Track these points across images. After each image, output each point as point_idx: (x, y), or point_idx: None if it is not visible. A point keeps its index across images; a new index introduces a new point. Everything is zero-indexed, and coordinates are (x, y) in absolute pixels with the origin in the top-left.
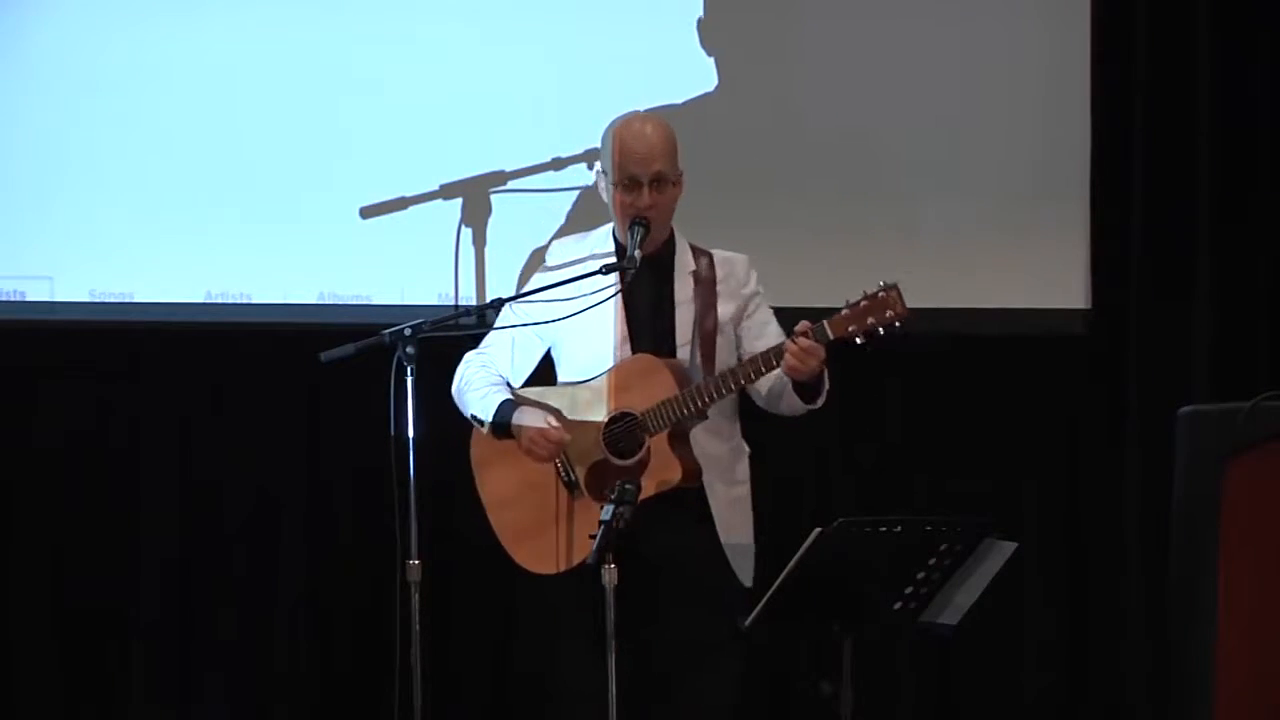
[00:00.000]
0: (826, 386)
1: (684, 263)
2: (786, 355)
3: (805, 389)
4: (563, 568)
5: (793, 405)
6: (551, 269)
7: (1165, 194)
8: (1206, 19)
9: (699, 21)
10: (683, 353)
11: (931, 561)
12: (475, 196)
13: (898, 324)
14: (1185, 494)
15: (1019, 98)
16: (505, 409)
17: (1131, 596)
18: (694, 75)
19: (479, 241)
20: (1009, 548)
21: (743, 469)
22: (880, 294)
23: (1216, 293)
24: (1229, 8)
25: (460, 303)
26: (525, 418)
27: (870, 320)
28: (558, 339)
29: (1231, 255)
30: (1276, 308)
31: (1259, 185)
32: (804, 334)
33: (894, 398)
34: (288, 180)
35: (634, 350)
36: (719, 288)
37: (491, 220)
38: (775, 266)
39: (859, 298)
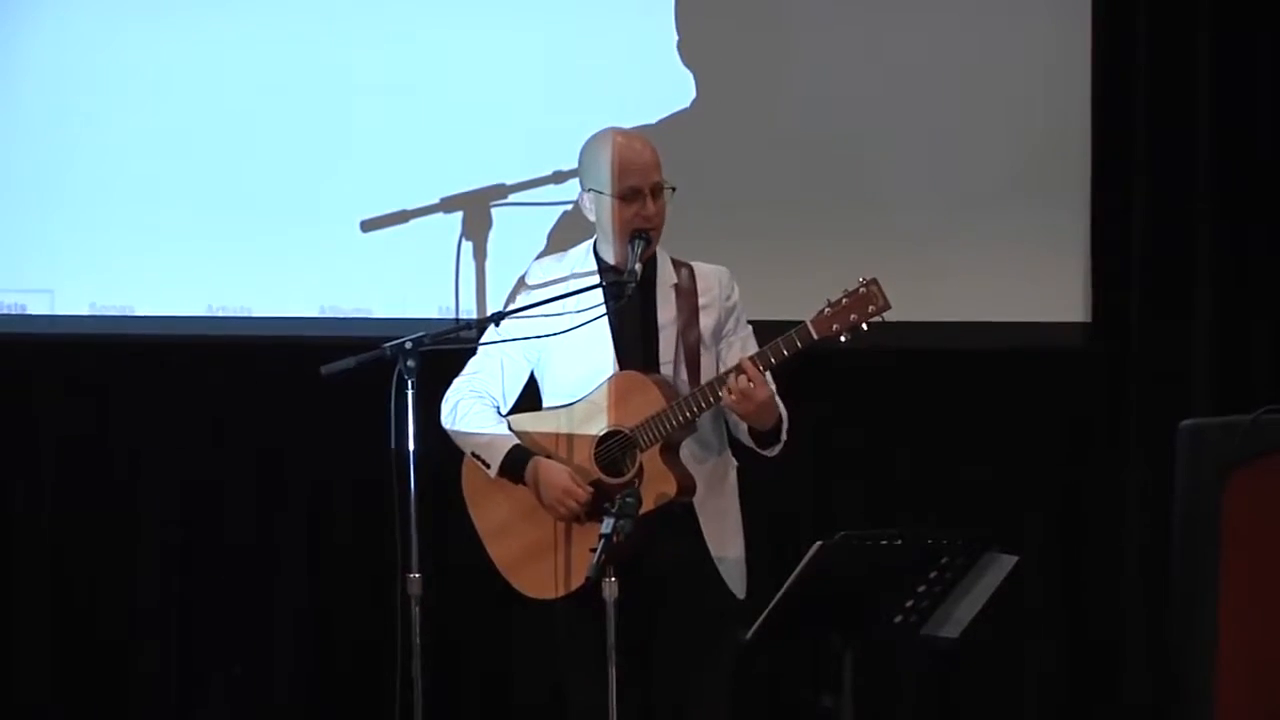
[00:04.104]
0: (783, 439)
1: (665, 276)
2: (726, 391)
3: (759, 436)
4: (562, 592)
5: (746, 438)
6: (533, 289)
7: (1165, 207)
8: (1207, 27)
9: (677, 43)
10: (667, 370)
11: (932, 575)
12: (476, 210)
13: (881, 317)
14: (1185, 507)
15: (1017, 111)
16: (517, 456)
17: (1132, 609)
18: (691, 86)
19: (480, 255)
20: (1010, 561)
21: (731, 481)
22: (861, 290)
23: (1217, 306)
24: (1229, 14)
25: (461, 316)
26: (545, 473)
27: (853, 316)
28: (544, 357)
29: (1232, 269)
30: (1276, 321)
31: (1260, 198)
32: (745, 372)
33: (894, 411)
34: (288, 194)
35: (621, 366)
36: (700, 300)
37: (492, 233)
38: (766, 281)
39: (839, 295)
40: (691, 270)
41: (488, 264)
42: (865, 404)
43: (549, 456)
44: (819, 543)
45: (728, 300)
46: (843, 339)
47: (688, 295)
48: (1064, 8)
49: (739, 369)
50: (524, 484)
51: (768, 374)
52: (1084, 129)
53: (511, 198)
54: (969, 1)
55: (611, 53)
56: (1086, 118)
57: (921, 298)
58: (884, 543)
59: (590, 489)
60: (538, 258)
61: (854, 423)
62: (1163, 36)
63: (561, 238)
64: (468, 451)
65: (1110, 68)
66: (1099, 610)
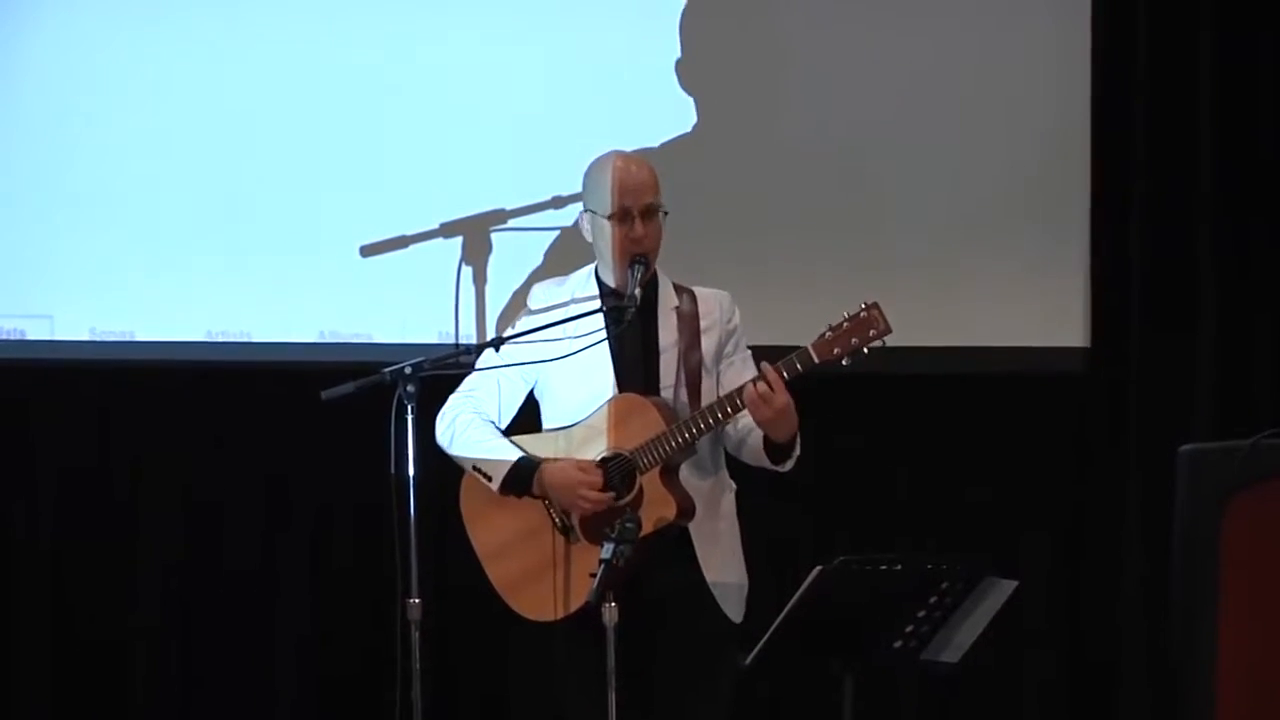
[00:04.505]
0: (796, 453)
1: (667, 300)
2: (747, 395)
3: (775, 450)
4: (561, 614)
5: (755, 457)
6: (534, 312)
7: (1165, 232)
8: (1209, 53)
9: (677, 63)
10: (667, 393)
11: (932, 600)
12: (475, 235)
13: (882, 341)
14: (1185, 532)
15: (1017, 134)
16: (521, 470)
17: (1131, 633)
18: (693, 112)
19: (479, 280)
20: (1009, 586)
21: (727, 504)
22: (862, 313)
23: (1217, 330)
24: (1231, 40)
25: (461, 341)
26: (551, 476)
27: (854, 340)
28: (545, 381)
29: (1232, 293)
30: (1277, 345)
31: (1261, 222)
32: (765, 377)
33: (893, 436)
34: (288, 219)
35: (621, 390)
36: (701, 323)
37: (492, 258)
38: (765, 305)
39: (840, 319)
40: (693, 295)
41: (487, 289)
42: (865, 428)
43: None
44: (819, 568)
45: (729, 323)
46: (844, 362)
47: (689, 319)
48: (1062, 40)
49: (759, 375)
50: (531, 496)
51: None
52: (1083, 152)
53: (511, 223)
54: (969, 26)
55: (612, 77)
56: (1086, 143)
57: (920, 322)
58: (883, 568)
59: (601, 469)
60: (538, 280)
61: (853, 447)
62: (1162, 52)
63: (560, 258)
64: (468, 467)
65: (1110, 97)
66: (1098, 634)
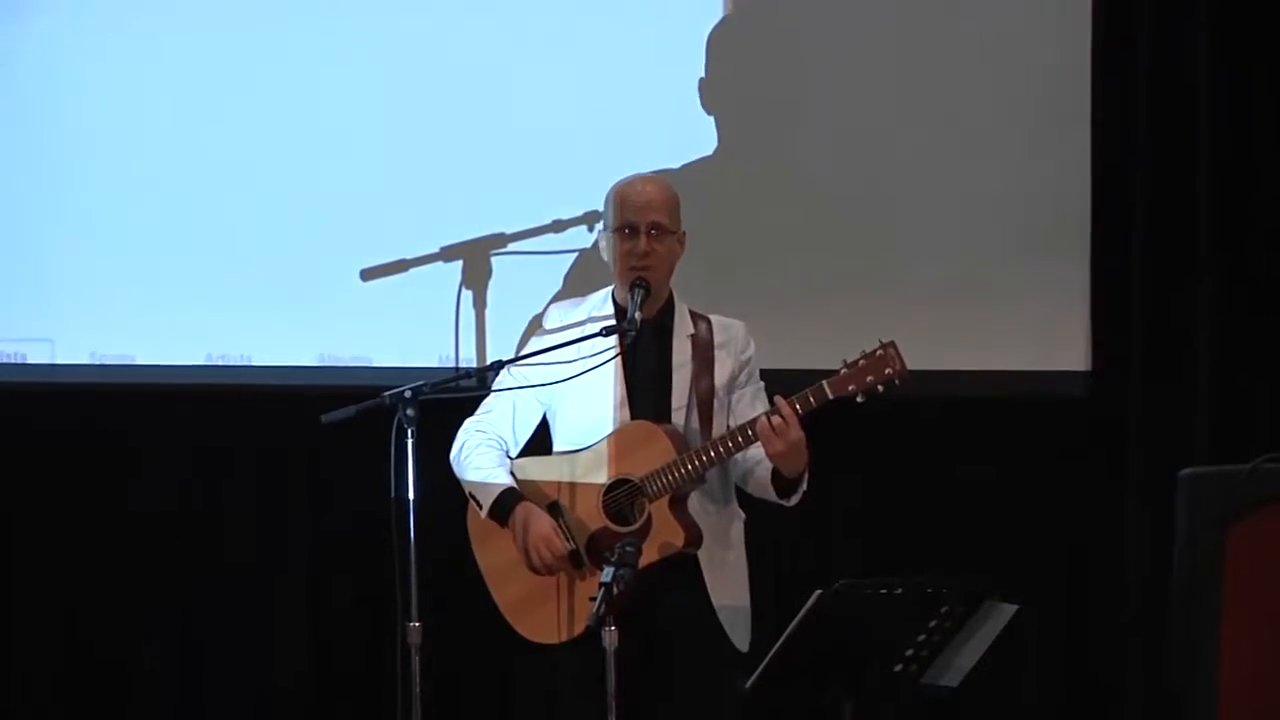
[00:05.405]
0: (803, 488)
1: (683, 326)
2: (760, 428)
3: (783, 483)
4: (564, 637)
5: (761, 489)
6: (549, 332)
7: (1166, 256)
8: (1207, 80)
9: (700, 81)
10: (679, 415)
11: (932, 623)
12: (476, 258)
13: (897, 381)
14: (1186, 557)
15: (1018, 157)
16: (506, 499)
17: (1132, 660)
18: (692, 138)
19: (479, 303)
20: (1009, 610)
21: (736, 533)
22: (879, 352)
23: (1218, 354)
24: (1230, 69)
25: (461, 365)
26: (531, 518)
27: (870, 378)
28: (556, 402)
29: (1233, 318)
30: (1278, 368)
31: (1260, 247)
32: (779, 411)
33: (894, 460)
34: (288, 243)
35: (632, 413)
36: (717, 352)
37: (492, 282)
38: (773, 329)
39: (857, 356)
40: (710, 323)
41: (487, 313)
42: (864, 450)
43: (553, 502)
44: (818, 591)
45: (743, 353)
46: (859, 399)
47: (704, 347)
48: (1062, 66)
49: (773, 408)
50: (508, 527)
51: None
52: (1085, 177)
53: (511, 246)
54: (969, 66)
55: (610, 101)
56: (1087, 168)
57: (922, 346)
58: (883, 591)
59: (569, 547)
60: (555, 300)
61: (852, 471)
62: (1164, 94)
63: (581, 280)
64: (466, 490)
65: (1110, 120)
66: (1100, 659)
